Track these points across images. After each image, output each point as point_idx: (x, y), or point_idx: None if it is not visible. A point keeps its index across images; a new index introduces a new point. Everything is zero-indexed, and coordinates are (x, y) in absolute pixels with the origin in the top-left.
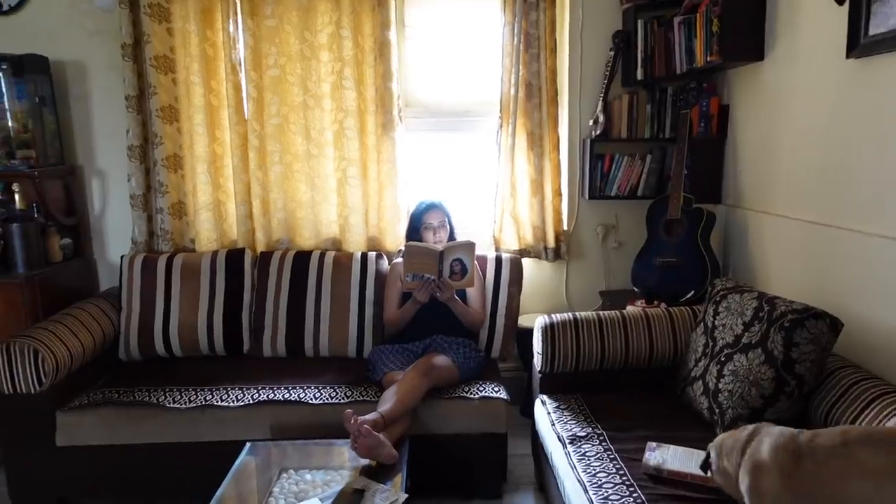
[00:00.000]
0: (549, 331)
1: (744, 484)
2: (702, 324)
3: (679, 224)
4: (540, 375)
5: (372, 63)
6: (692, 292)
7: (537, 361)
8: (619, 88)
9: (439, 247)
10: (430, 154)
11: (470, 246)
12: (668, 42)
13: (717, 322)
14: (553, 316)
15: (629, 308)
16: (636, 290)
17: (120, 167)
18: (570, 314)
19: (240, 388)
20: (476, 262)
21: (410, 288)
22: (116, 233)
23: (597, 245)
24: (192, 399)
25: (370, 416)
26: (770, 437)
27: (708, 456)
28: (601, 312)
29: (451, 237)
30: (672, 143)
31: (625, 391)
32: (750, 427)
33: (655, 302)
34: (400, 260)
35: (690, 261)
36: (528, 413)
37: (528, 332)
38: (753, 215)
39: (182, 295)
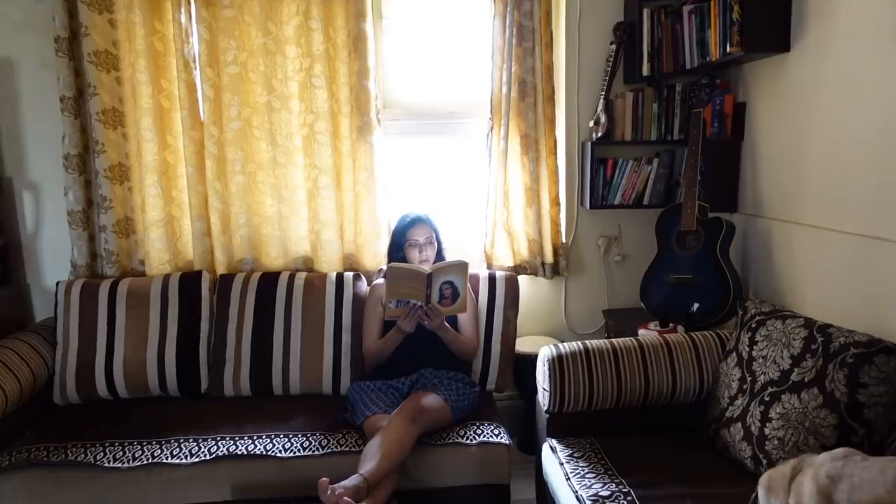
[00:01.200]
0: (557, 364)
1: None
2: (734, 353)
3: (694, 236)
4: (547, 416)
5: (345, 59)
6: (717, 313)
7: (543, 399)
8: (622, 86)
9: (427, 268)
10: (412, 161)
11: (462, 266)
12: (676, 33)
13: (755, 353)
14: (561, 346)
15: (642, 332)
16: (646, 309)
17: (55, 179)
18: (579, 344)
19: (195, 440)
20: (469, 285)
21: (394, 316)
22: (53, 255)
23: (598, 259)
24: (136, 455)
25: (350, 483)
26: (811, 475)
27: (755, 496)
28: (615, 341)
29: (440, 256)
30: (682, 146)
31: (645, 433)
32: (792, 461)
33: (671, 324)
34: (381, 281)
35: (709, 278)
36: (528, 448)
37: (525, 358)
38: (779, 225)
39: (128, 327)
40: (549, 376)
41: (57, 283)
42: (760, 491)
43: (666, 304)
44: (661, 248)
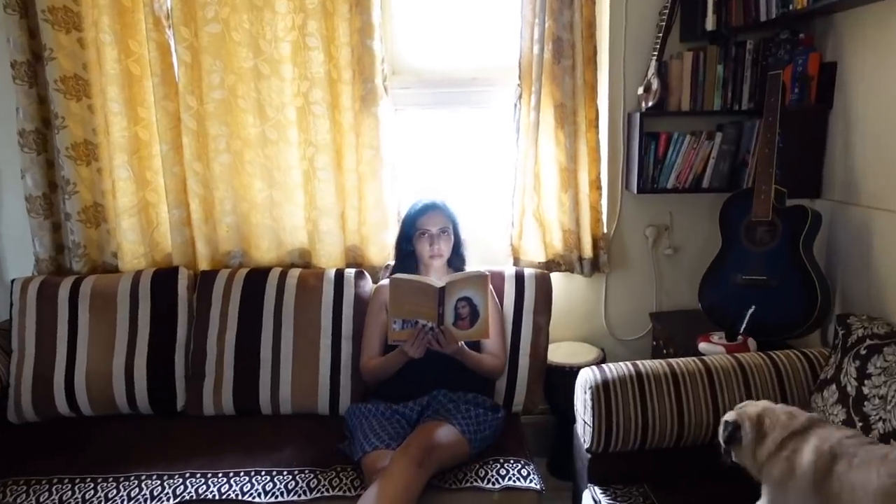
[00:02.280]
0: (602, 392)
1: (772, 473)
2: (832, 386)
3: (768, 228)
4: (588, 456)
5: (346, 15)
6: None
7: (584, 435)
8: (679, 44)
9: (439, 281)
10: (425, 137)
11: (481, 280)
12: None
13: (867, 390)
14: (607, 369)
15: (704, 347)
16: (705, 314)
17: (10, 160)
18: (629, 366)
19: (159, 477)
20: (492, 289)
21: (399, 340)
22: (14, 247)
23: (645, 252)
24: (87, 497)
25: None
26: (814, 446)
27: (736, 427)
28: (675, 362)
29: (457, 253)
30: (750, 117)
31: (714, 480)
32: (803, 418)
33: (740, 337)
34: (386, 282)
35: (788, 280)
36: (558, 471)
37: (557, 370)
38: (881, 216)
39: (92, 333)
40: (593, 407)
41: (12, 281)
42: (746, 424)
43: (733, 311)
44: (727, 241)
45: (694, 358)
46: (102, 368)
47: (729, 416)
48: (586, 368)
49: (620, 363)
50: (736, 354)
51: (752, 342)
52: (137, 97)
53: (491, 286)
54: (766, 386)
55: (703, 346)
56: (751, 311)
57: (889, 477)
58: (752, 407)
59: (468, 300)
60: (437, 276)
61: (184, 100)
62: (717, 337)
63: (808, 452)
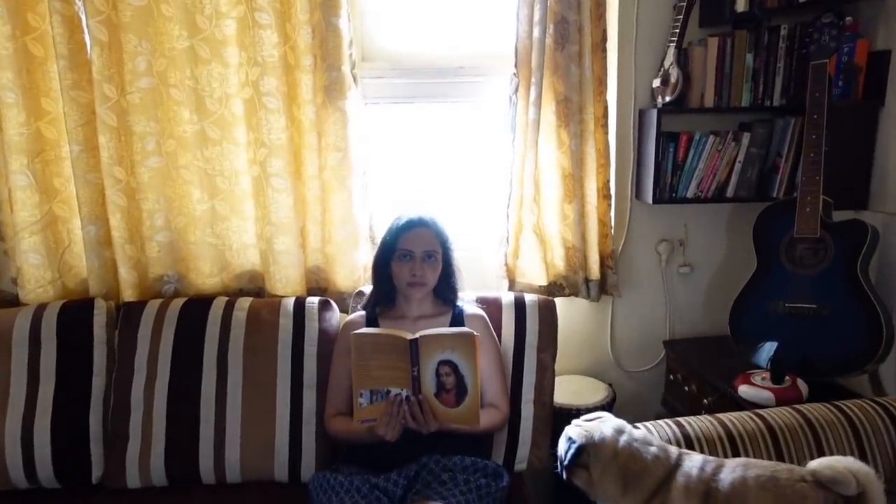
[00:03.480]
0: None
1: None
2: None
3: (814, 246)
4: None
5: None
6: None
7: None
8: (700, 30)
9: (409, 333)
10: (402, 137)
11: (466, 340)
12: None
13: None
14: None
15: (745, 391)
16: (738, 348)
17: None
18: (671, 426)
19: None
20: (491, 327)
21: (367, 418)
22: None
23: (656, 271)
24: None
25: None
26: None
27: (579, 451)
28: (728, 420)
29: (447, 280)
30: (782, 115)
31: None
32: (670, 456)
33: (788, 379)
34: (358, 315)
35: (846, 308)
36: None
37: (560, 412)
38: None
39: None
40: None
41: None
42: (591, 452)
43: (775, 346)
44: (765, 262)
45: (750, 415)
46: None
47: (573, 433)
48: (611, 430)
49: (660, 422)
50: (798, 407)
51: (802, 385)
52: (40, 85)
53: (490, 325)
54: (841, 448)
55: (744, 389)
56: (773, 347)
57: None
58: (606, 429)
59: (452, 365)
60: (417, 308)
61: (99, 88)
62: (760, 378)
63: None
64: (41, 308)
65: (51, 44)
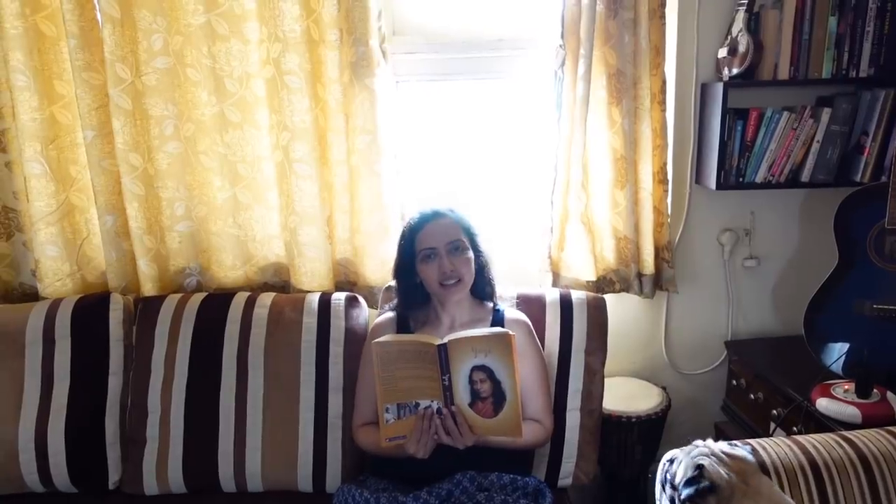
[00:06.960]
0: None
1: None
2: None
3: None
4: None
5: None
6: None
7: None
8: None
9: (436, 338)
10: (436, 117)
11: (501, 340)
12: None
13: None
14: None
15: (825, 405)
16: (815, 354)
17: None
18: (745, 451)
19: None
20: (534, 334)
21: (395, 436)
22: None
23: (718, 264)
24: None
25: None
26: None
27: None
28: (810, 445)
29: (482, 274)
30: (870, 88)
31: None
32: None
33: (876, 392)
34: (386, 319)
35: None
36: None
37: (609, 420)
38: None
39: None
40: None
41: None
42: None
43: (859, 353)
44: (847, 256)
45: (836, 439)
46: (5, 435)
47: (699, 459)
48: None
49: (736, 444)
50: (894, 430)
51: (893, 399)
52: (53, 67)
53: (533, 332)
54: None
55: (824, 403)
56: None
57: None
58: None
59: (487, 371)
60: (453, 315)
61: (112, 69)
62: (843, 391)
63: None
64: (56, 303)
65: (61, 20)
